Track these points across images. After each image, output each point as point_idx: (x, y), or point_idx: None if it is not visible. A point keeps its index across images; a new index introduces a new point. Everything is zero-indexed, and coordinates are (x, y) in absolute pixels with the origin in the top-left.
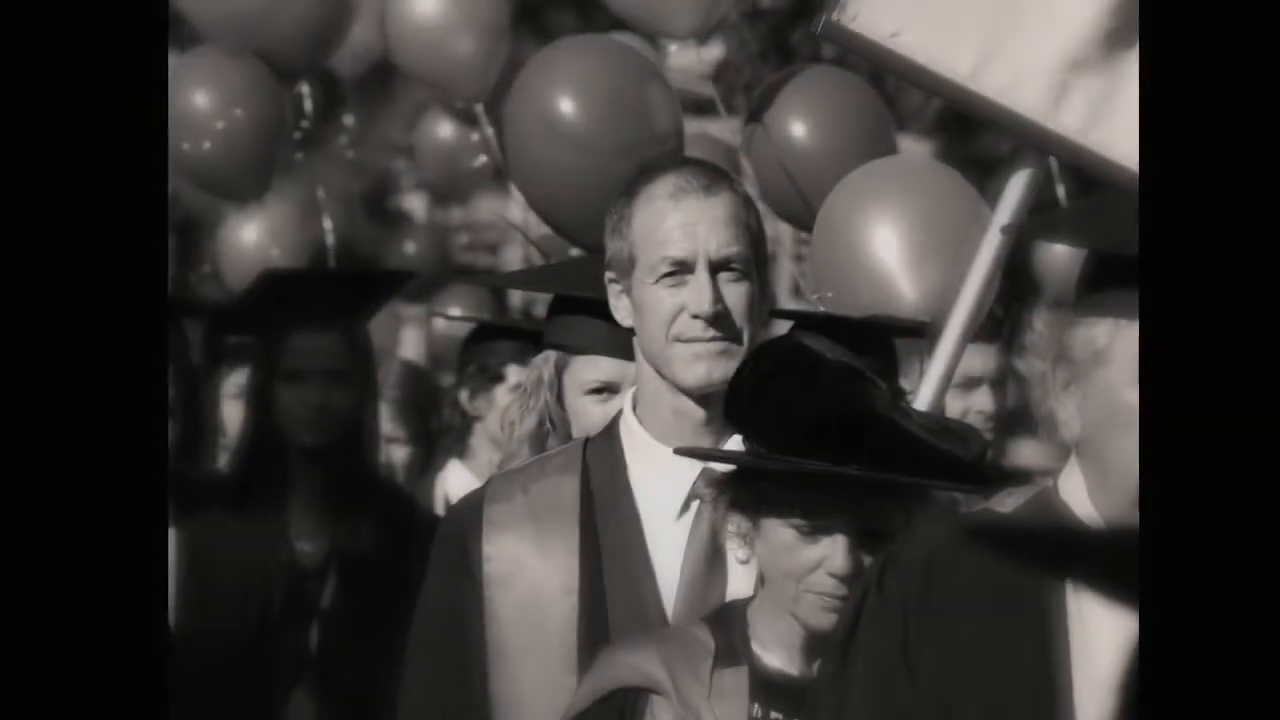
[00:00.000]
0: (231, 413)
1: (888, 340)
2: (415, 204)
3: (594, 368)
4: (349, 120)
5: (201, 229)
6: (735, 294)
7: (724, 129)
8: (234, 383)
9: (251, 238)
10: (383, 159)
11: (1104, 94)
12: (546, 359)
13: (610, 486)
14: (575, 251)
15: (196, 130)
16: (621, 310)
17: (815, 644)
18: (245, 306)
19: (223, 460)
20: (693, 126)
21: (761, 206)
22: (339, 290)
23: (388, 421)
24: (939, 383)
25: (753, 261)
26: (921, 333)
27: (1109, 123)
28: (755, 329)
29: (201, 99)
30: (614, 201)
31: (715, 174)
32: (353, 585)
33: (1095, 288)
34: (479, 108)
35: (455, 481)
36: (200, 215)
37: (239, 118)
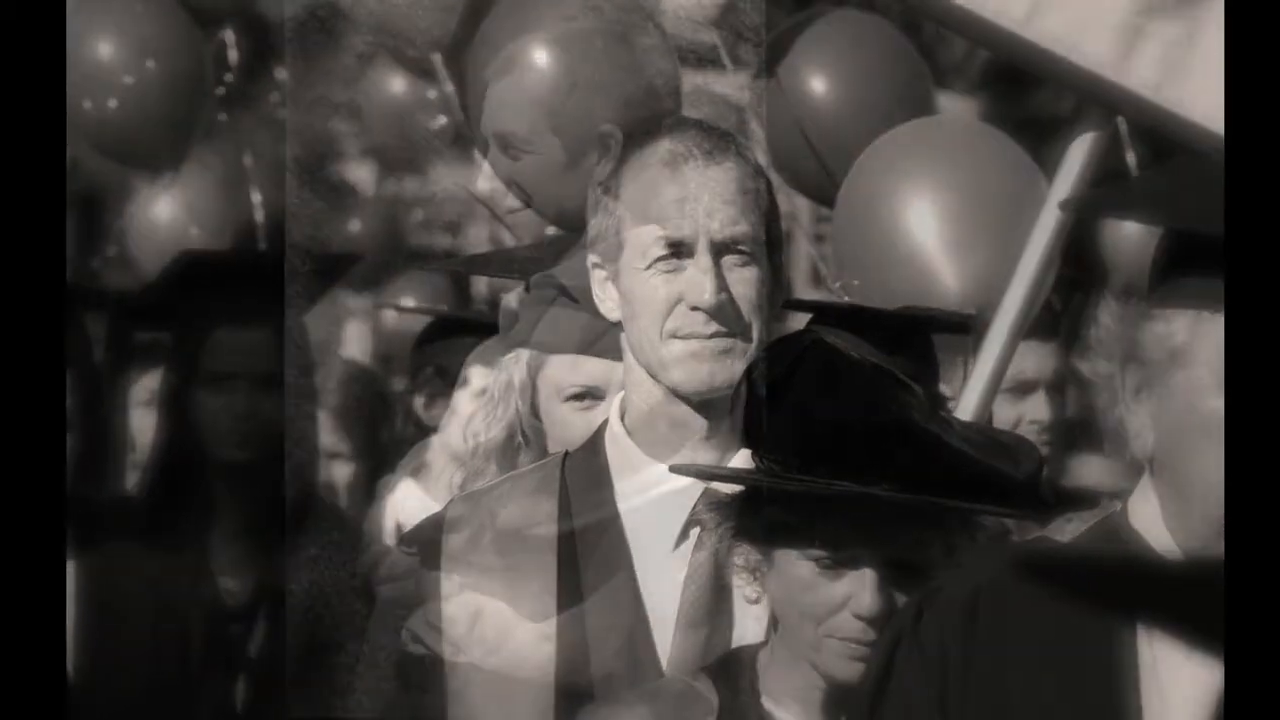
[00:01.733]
0: (142, 423)
1: (925, 337)
2: (361, 174)
3: (574, 370)
4: (282, 74)
5: (107, 203)
6: (742, 281)
7: (730, 84)
8: (145, 387)
9: (166, 214)
10: (322, 120)
11: (1182, 41)
12: (517, 359)
13: (594, 511)
14: (551, 231)
15: (100, 86)
16: (607, 301)
17: (838, 698)
18: (159, 296)
19: (131, 480)
20: (692, 80)
21: (774, 177)
22: (270, 277)
23: (328, 433)
24: (986, 387)
25: (763, 243)
26: (966, 328)
27: (1188, 76)
28: (766, 323)
29: (106, 49)
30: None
31: (719, 138)
32: (286, 629)
33: (1172, 274)
34: (436, 58)
35: (409, 505)
36: (105, 187)
37: (151, 70)
